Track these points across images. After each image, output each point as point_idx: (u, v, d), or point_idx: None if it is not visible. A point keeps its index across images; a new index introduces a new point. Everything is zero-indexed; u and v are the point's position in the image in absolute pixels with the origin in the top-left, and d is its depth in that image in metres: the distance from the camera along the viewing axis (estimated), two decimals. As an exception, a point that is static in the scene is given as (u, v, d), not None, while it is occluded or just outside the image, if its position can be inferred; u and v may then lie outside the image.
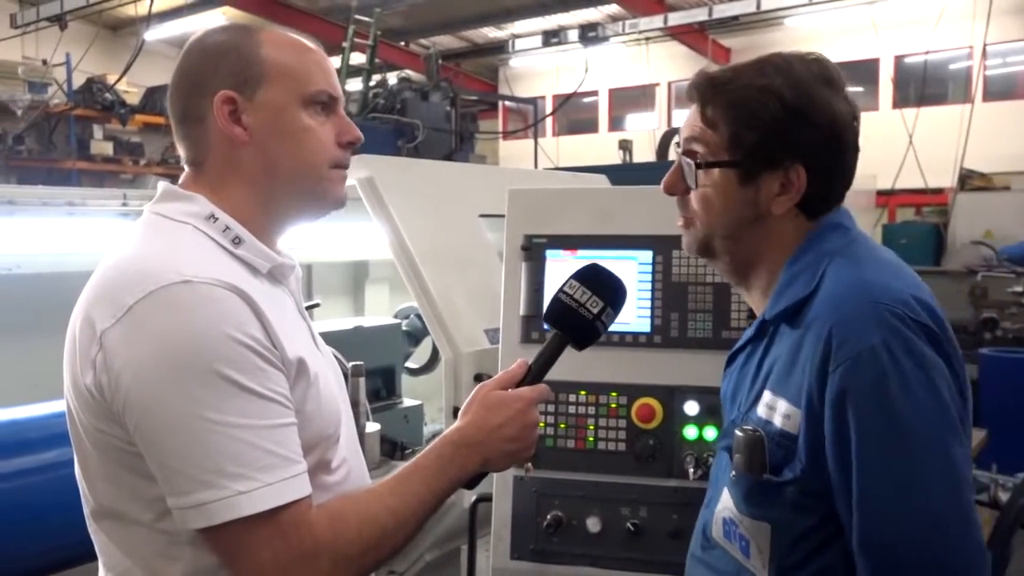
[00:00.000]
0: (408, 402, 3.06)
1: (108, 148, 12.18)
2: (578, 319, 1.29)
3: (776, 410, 1.16)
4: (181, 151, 1.22)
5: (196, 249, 1.11)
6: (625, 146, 11.09)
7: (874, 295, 1.10)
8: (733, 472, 1.20)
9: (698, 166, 1.23)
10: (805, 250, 1.22)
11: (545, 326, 1.35)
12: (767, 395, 1.18)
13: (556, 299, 1.31)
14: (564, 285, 1.31)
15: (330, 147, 1.21)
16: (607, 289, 1.30)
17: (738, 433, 1.19)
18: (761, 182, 1.21)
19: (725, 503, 1.24)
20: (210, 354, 1.01)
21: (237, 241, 1.15)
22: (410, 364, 3.26)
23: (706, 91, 1.23)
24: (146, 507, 1.08)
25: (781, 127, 1.18)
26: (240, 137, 1.17)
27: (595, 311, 1.28)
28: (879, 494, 1.05)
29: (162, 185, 1.20)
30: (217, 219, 1.15)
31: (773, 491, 1.14)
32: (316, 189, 1.22)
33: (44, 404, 2.11)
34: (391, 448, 2.70)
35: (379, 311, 3.94)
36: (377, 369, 2.90)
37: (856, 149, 1.23)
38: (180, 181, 1.22)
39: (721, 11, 11.36)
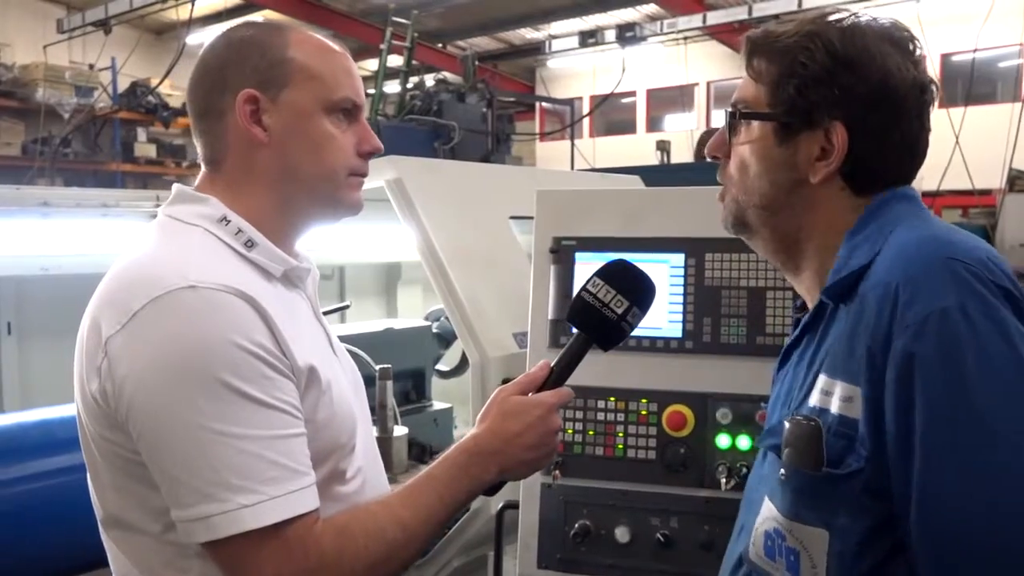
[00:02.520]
0: (438, 405, 3.03)
1: (151, 150, 12.44)
2: (602, 319, 1.22)
3: (833, 394, 1.01)
4: (199, 148, 1.20)
5: (205, 253, 1.08)
6: (663, 147, 11.00)
7: (947, 251, 0.96)
8: (782, 471, 1.05)
9: (732, 116, 1.14)
10: (867, 220, 1.09)
11: (572, 328, 1.28)
12: (822, 379, 1.04)
13: (579, 298, 1.24)
14: (587, 283, 1.24)
15: (350, 156, 1.19)
16: (633, 287, 1.23)
17: (788, 424, 1.05)
18: (800, 142, 1.09)
19: (767, 514, 1.09)
20: (214, 362, 0.99)
21: (250, 244, 1.12)
22: (440, 367, 3.23)
23: (756, 41, 1.14)
24: (154, 518, 1.06)
25: (823, 76, 1.07)
26: (259, 138, 1.14)
27: (620, 311, 1.21)
28: (945, 484, 0.89)
29: (176, 187, 1.19)
30: (229, 221, 1.13)
31: (832, 487, 0.99)
32: (333, 196, 1.20)
33: (73, 405, 2.12)
34: (420, 452, 2.68)
35: (412, 313, 3.92)
36: (407, 371, 2.88)
37: (921, 123, 1.10)
38: (196, 182, 1.21)
39: (762, 9, 11.17)
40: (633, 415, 1.81)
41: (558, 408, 1.21)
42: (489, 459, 1.16)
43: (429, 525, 1.12)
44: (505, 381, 2.12)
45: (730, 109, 1.15)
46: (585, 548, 1.80)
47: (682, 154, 11.52)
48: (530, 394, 1.22)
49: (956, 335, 0.91)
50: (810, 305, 1.18)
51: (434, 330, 3.12)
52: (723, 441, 1.76)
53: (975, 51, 9.48)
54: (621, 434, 1.81)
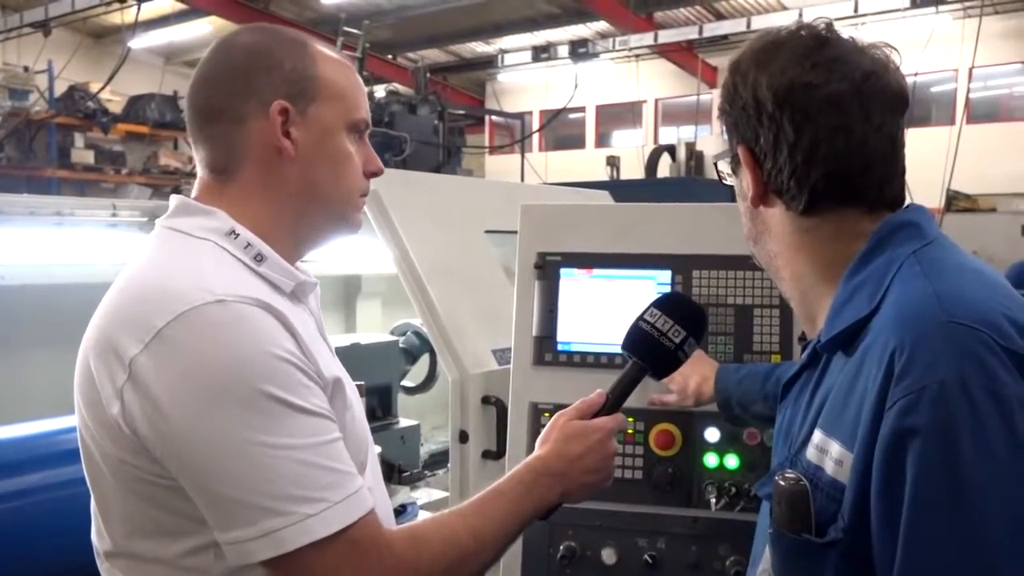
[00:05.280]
0: (404, 422, 2.97)
1: (89, 157, 12.06)
2: (659, 349, 1.25)
3: (828, 454, 0.96)
4: (202, 152, 1.13)
5: (221, 267, 1.04)
6: (613, 162, 11.11)
7: (952, 311, 0.87)
8: (771, 529, 1.02)
9: (714, 161, 1.19)
10: (868, 257, 1.01)
11: (626, 354, 1.29)
12: (817, 435, 0.99)
13: (637, 327, 1.27)
14: (645, 312, 1.27)
15: (361, 176, 1.19)
16: (690, 318, 1.26)
17: (778, 481, 0.99)
18: (741, 170, 1.11)
19: (766, 564, 1.07)
20: (254, 375, 0.95)
21: (259, 258, 1.08)
22: (406, 383, 3.17)
23: None
24: (169, 544, 1.01)
25: (724, 104, 1.09)
26: (288, 151, 1.11)
27: (677, 341, 1.24)
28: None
29: (177, 198, 1.13)
30: (238, 235, 1.08)
31: (816, 554, 0.94)
32: (344, 215, 1.19)
33: (27, 424, 2.00)
34: (388, 470, 2.62)
35: (371, 327, 3.85)
36: (373, 388, 2.82)
37: (822, 130, 1.00)
38: (196, 192, 1.15)
39: (712, 29, 11.42)
40: (620, 434, 1.77)
41: (615, 434, 1.24)
42: (554, 480, 1.17)
43: (499, 538, 1.12)
44: (485, 399, 2.08)
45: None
46: (571, 571, 1.76)
47: (631, 170, 11.64)
48: (587, 420, 1.24)
49: (952, 413, 0.82)
50: (808, 335, 1.16)
51: (401, 345, 3.06)
52: (711, 460, 1.74)
53: (916, 75, 9.81)
54: (616, 464, 1.77)
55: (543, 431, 1.24)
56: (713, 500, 1.69)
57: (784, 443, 1.12)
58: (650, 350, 1.25)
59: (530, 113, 15.47)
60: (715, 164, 1.19)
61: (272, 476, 0.95)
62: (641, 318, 1.27)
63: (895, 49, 1.06)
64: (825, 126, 1.00)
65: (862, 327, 0.97)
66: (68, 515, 1.48)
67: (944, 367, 0.84)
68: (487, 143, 16.30)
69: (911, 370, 0.85)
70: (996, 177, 11.15)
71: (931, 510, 0.83)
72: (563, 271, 1.87)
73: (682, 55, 14.04)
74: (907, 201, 1.08)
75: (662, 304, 1.28)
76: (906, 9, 10.73)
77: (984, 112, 13.13)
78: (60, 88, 11.51)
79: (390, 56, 14.34)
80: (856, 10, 10.73)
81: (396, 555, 1.01)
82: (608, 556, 1.75)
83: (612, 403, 1.25)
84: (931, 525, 0.83)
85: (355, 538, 0.98)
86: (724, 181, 1.20)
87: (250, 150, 1.11)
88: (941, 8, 10.80)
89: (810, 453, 1.00)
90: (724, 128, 1.12)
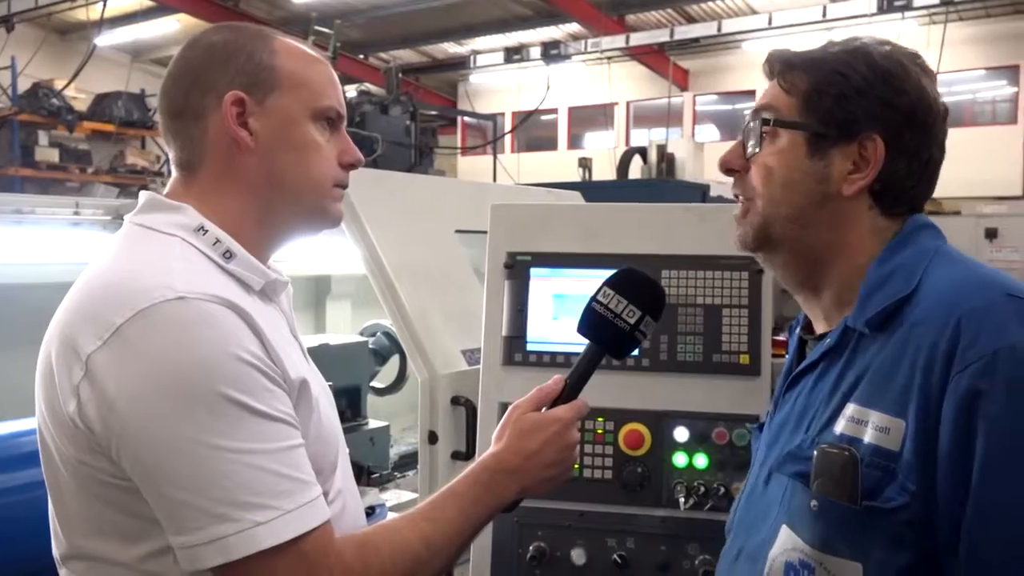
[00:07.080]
0: (374, 423, 2.95)
1: (54, 155, 11.85)
2: (614, 330, 1.19)
3: (867, 423, 0.98)
4: (171, 151, 1.14)
5: (187, 263, 1.02)
6: (585, 164, 11.15)
7: (1005, 288, 0.96)
8: (814, 502, 1.01)
9: (765, 122, 1.10)
10: (895, 249, 1.07)
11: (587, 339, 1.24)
12: (852, 408, 1.01)
13: (590, 309, 1.21)
14: (597, 293, 1.22)
15: (334, 166, 1.16)
16: (645, 296, 1.20)
17: (817, 453, 1.01)
18: (833, 155, 1.07)
19: (789, 544, 1.04)
20: (214, 376, 0.93)
21: (228, 255, 1.07)
22: (376, 384, 3.15)
23: (789, 59, 1.12)
24: (129, 547, 0.99)
25: (863, 88, 1.06)
26: (245, 141, 1.09)
27: (632, 321, 1.19)
28: (1004, 530, 0.88)
29: (146, 194, 1.12)
30: (207, 231, 1.07)
31: (871, 520, 0.96)
32: (317, 206, 1.16)
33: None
34: (357, 472, 2.58)
35: (341, 328, 3.83)
36: (342, 389, 2.79)
37: (942, 149, 1.10)
38: (167, 189, 1.14)
39: (683, 32, 11.51)
40: (589, 434, 1.78)
41: (575, 422, 1.20)
42: (509, 477, 1.15)
43: (453, 541, 1.10)
44: (455, 399, 2.07)
45: (763, 117, 1.12)
46: (540, 571, 1.76)
47: (603, 172, 11.70)
48: (544, 409, 1.20)
49: None
50: (820, 328, 1.16)
51: (370, 346, 3.04)
52: (680, 460, 1.74)
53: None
54: (577, 453, 1.77)
55: (499, 425, 1.20)
56: (682, 500, 1.70)
57: (797, 428, 1.11)
58: (605, 333, 1.20)
59: (502, 114, 15.47)
60: (770, 121, 1.10)
61: (224, 481, 0.92)
62: (594, 299, 1.21)
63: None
64: (938, 143, 1.10)
65: (900, 306, 1.02)
66: (27, 519, 1.45)
67: (1013, 331, 0.91)
68: (459, 144, 16.29)
69: (981, 336, 0.92)
70: (960, 181, 11.30)
71: (1006, 464, 0.88)
72: (533, 271, 1.87)
73: (653, 58, 14.13)
74: None
75: (615, 283, 1.21)
76: (873, 15, 10.88)
77: (950, 117, 13.36)
78: (23, 85, 11.29)
79: (362, 56, 14.27)
80: (824, 15, 10.85)
81: (345, 567, 0.99)
82: (578, 556, 1.75)
83: (571, 389, 1.21)
84: (1006, 479, 0.88)
85: (304, 550, 0.96)
86: (762, 149, 1.11)
87: (210, 144, 1.10)
88: (907, 15, 10.97)
89: (841, 427, 1.01)
90: (842, 104, 1.06)
